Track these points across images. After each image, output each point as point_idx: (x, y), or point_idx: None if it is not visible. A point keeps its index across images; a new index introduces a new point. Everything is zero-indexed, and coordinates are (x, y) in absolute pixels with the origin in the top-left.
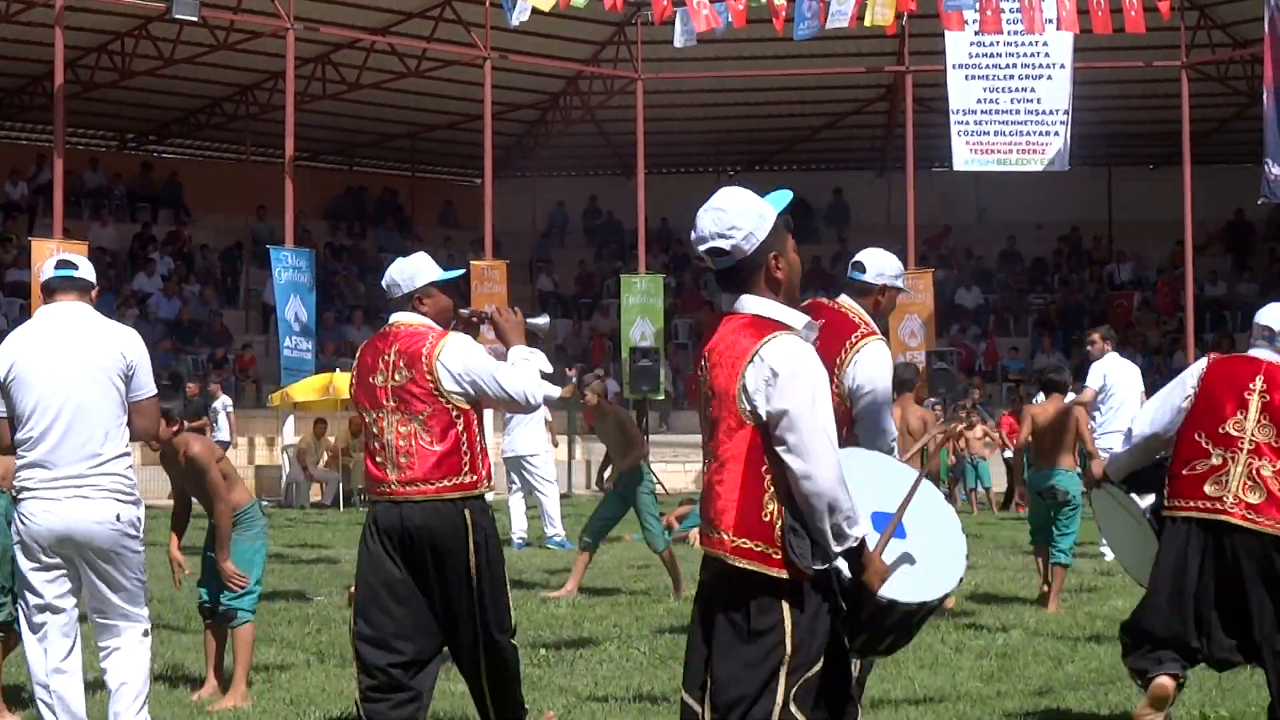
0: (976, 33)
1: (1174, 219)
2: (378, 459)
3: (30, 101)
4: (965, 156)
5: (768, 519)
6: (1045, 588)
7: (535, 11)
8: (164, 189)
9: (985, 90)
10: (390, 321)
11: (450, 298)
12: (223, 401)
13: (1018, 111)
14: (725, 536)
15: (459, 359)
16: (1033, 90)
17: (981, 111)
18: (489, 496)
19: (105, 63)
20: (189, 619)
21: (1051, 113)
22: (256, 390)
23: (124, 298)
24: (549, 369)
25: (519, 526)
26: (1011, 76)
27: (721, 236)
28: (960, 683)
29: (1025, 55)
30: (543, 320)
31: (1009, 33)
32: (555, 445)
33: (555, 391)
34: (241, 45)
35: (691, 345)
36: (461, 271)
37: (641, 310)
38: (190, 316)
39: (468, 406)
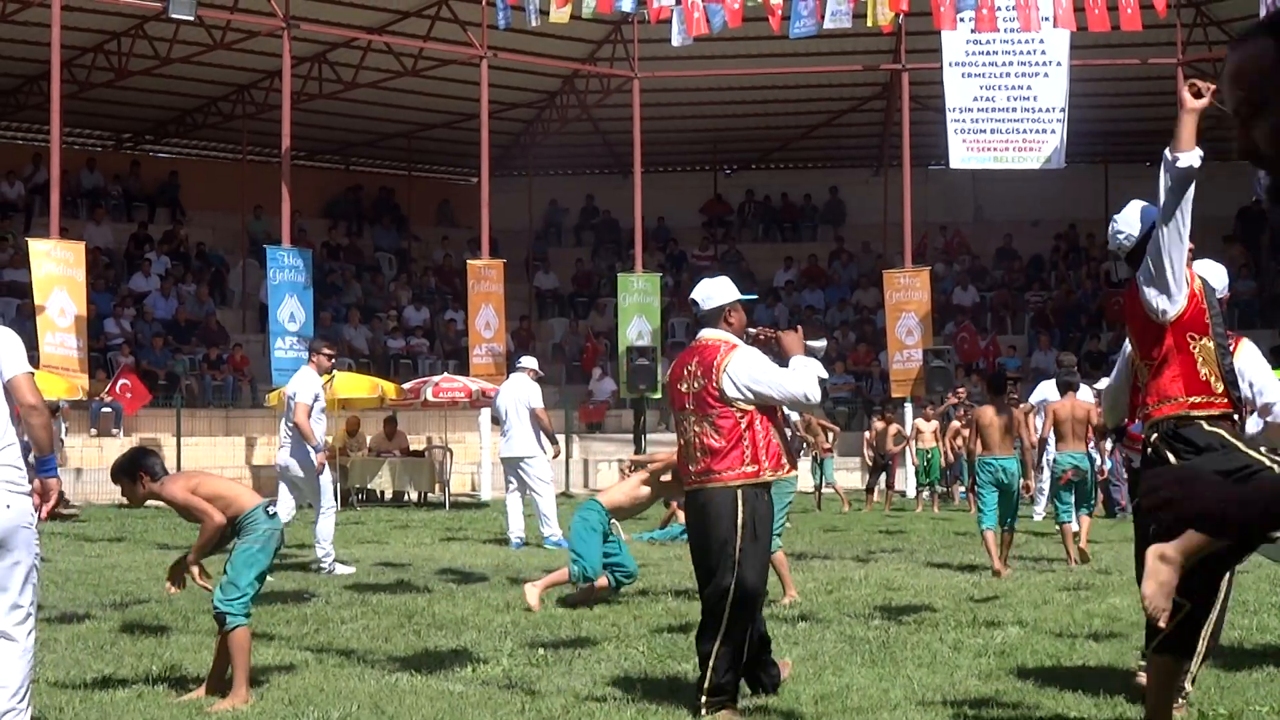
0: (973, 31)
1: None
2: (684, 454)
3: (27, 101)
4: (961, 154)
5: None
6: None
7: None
8: (160, 188)
9: (981, 88)
10: (699, 336)
11: (745, 312)
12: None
13: (1014, 109)
14: None
15: (742, 370)
16: (1029, 88)
17: (978, 109)
18: (486, 495)
19: (102, 62)
20: (187, 620)
21: (1048, 110)
22: (253, 389)
23: (120, 297)
24: (824, 375)
25: (516, 526)
26: (1008, 74)
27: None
28: (958, 681)
29: (1021, 53)
30: (820, 344)
31: (1005, 30)
32: (554, 445)
33: (816, 394)
34: (238, 44)
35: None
36: (754, 297)
37: (638, 309)
38: (187, 316)
39: (750, 409)
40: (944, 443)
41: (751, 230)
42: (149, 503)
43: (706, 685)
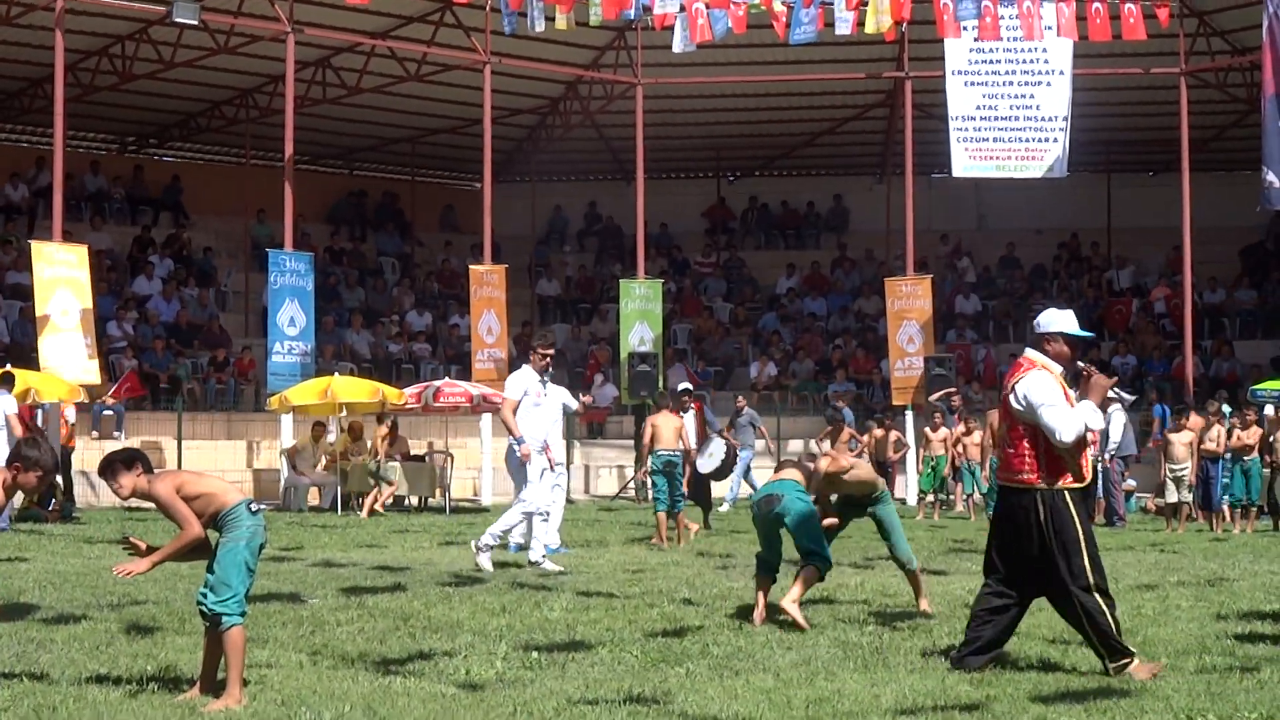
0: (976, 39)
1: (1173, 226)
2: (997, 451)
3: (30, 104)
4: (964, 163)
5: None
6: None
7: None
8: (164, 192)
9: (984, 96)
10: (1024, 353)
11: (1073, 350)
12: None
13: (1017, 118)
14: None
15: (1029, 389)
16: (1032, 97)
17: (981, 118)
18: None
19: (105, 66)
20: (182, 621)
21: (1050, 119)
22: (255, 393)
23: (124, 300)
24: (1099, 425)
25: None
26: (1011, 83)
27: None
28: (950, 686)
29: (1024, 62)
30: (1129, 398)
31: (1008, 39)
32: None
33: (1068, 438)
34: (242, 49)
35: (690, 350)
36: (1090, 335)
37: (640, 315)
38: (189, 319)
39: (1033, 423)
40: (951, 450)
41: (754, 237)
42: (148, 505)
43: (1103, 657)
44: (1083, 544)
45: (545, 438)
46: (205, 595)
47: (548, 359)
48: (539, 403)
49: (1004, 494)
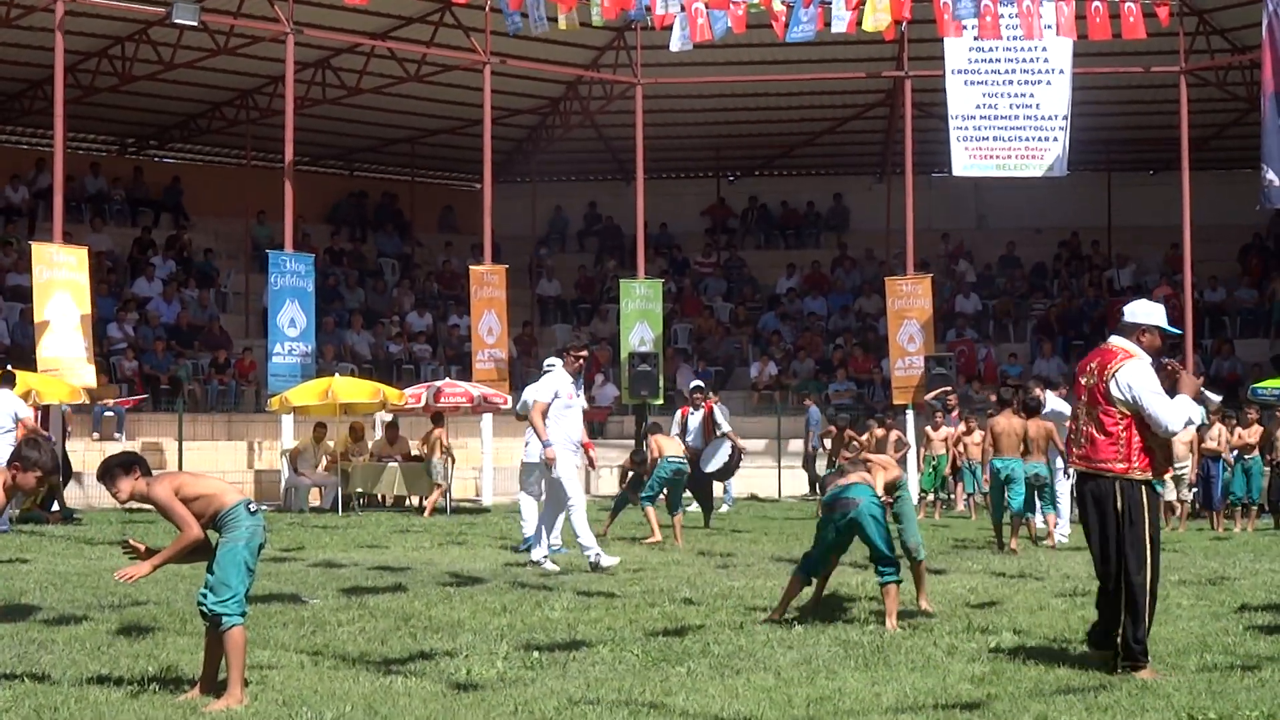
0: (975, 38)
1: (1173, 224)
2: (1072, 438)
3: (30, 105)
4: (964, 162)
5: None
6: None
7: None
8: (164, 193)
9: (984, 95)
10: (1108, 341)
11: (1162, 342)
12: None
13: (1016, 117)
14: None
15: (1131, 378)
16: (1032, 96)
17: (980, 117)
18: (488, 500)
19: (105, 67)
20: (184, 622)
21: (1050, 118)
22: (256, 394)
23: (124, 302)
24: (1198, 421)
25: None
26: (1011, 82)
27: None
28: (950, 685)
29: (1024, 61)
30: (1216, 398)
31: (1008, 38)
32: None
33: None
34: (241, 50)
35: (691, 350)
36: (1179, 332)
37: (640, 315)
38: (190, 320)
39: (1129, 414)
40: (952, 449)
41: (754, 237)
42: (148, 506)
43: (1120, 654)
44: (1148, 541)
45: (579, 439)
46: (205, 596)
47: (581, 362)
48: (570, 405)
49: (1083, 480)
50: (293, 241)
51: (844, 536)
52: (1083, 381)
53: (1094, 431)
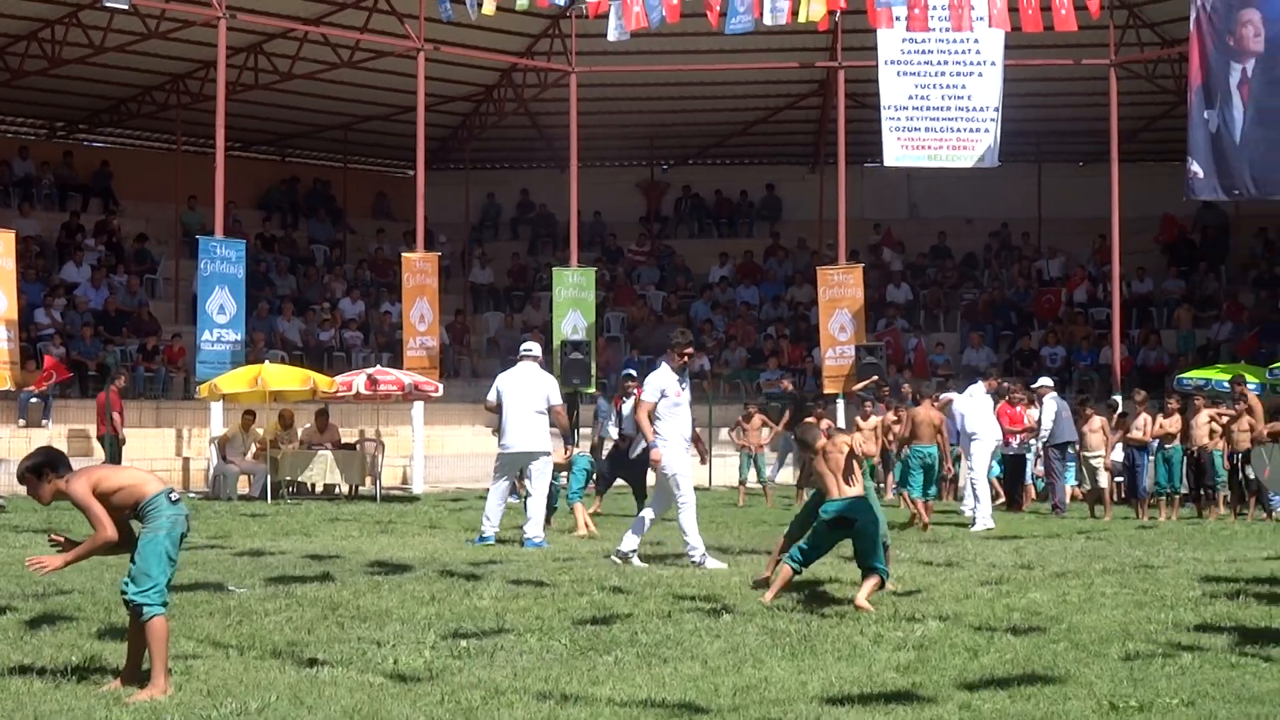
0: (907, 30)
1: (1102, 216)
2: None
3: None
4: (896, 152)
5: None
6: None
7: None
8: (93, 178)
9: (916, 86)
10: None
11: None
12: None
13: (948, 108)
14: None
15: None
16: (963, 87)
17: (913, 108)
18: (418, 489)
19: (35, 50)
20: (108, 611)
21: (982, 109)
22: (185, 381)
23: (52, 287)
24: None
25: (497, 519)
26: (943, 73)
27: None
28: (876, 674)
29: (956, 52)
30: None
31: (940, 30)
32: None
33: None
34: (173, 34)
35: (623, 338)
36: None
37: (573, 303)
38: (118, 306)
39: None
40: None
41: (687, 226)
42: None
43: None
44: None
45: (689, 435)
46: (127, 585)
47: (686, 357)
48: (678, 402)
49: None
50: (223, 227)
51: (843, 538)
52: None
53: None
